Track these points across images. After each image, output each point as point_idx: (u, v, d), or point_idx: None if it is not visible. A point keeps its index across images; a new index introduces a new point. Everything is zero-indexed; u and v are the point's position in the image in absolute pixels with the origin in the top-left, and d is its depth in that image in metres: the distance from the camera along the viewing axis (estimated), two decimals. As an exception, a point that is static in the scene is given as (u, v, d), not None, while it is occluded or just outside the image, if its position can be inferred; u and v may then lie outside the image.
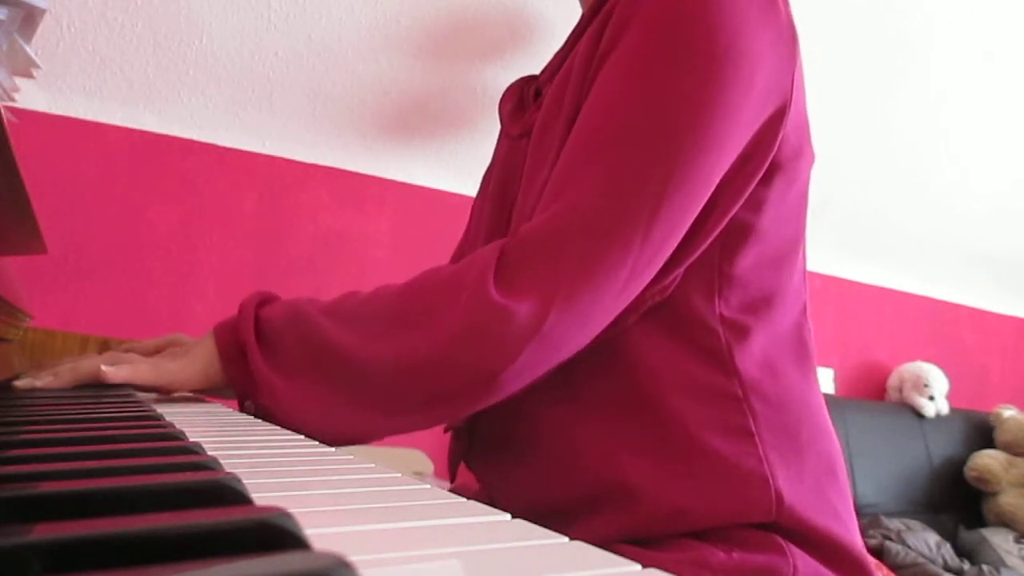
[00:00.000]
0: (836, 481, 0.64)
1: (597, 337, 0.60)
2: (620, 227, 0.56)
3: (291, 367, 0.61)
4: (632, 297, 0.59)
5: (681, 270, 0.61)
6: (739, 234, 0.63)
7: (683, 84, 0.57)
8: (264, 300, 0.67)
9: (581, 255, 0.56)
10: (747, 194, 0.62)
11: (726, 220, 0.61)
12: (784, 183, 0.64)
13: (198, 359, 0.66)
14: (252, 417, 0.59)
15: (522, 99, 0.81)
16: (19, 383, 0.65)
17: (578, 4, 0.77)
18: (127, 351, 0.73)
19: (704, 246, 0.61)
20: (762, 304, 0.64)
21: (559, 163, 0.61)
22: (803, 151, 0.66)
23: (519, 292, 0.56)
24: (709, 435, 0.60)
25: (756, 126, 0.60)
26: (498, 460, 0.71)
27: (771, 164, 0.62)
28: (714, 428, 0.60)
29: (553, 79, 0.73)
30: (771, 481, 0.59)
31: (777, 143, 0.61)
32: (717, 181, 0.59)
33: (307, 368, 0.61)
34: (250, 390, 0.63)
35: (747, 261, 0.64)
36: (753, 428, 0.61)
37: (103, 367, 0.65)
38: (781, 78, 0.61)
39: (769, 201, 0.63)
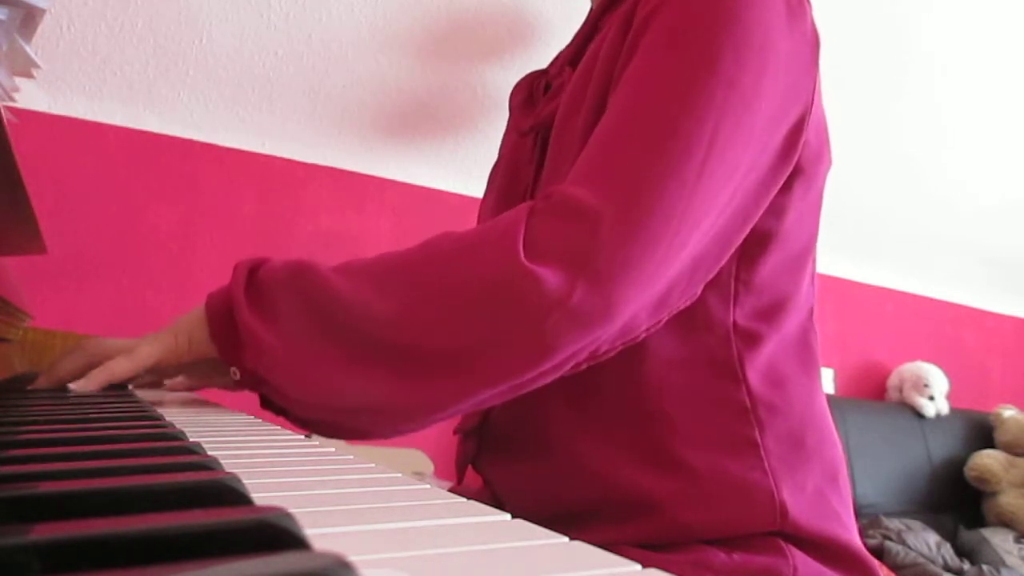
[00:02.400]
0: (838, 486, 0.64)
1: (626, 329, 0.57)
2: (659, 208, 0.54)
3: (289, 323, 0.55)
4: (661, 282, 0.56)
5: (709, 278, 0.60)
6: (760, 241, 0.62)
7: (720, 75, 0.56)
8: (261, 261, 0.61)
9: (618, 229, 0.53)
10: (769, 201, 0.61)
11: (754, 220, 0.61)
12: (803, 188, 0.63)
13: (182, 328, 0.61)
14: (252, 417, 0.58)
15: (531, 94, 0.80)
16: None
17: (580, 4, 0.77)
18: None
19: (729, 254, 0.60)
20: (774, 310, 0.64)
21: (591, 140, 0.58)
22: (822, 155, 0.65)
23: (548, 258, 0.52)
24: (715, 449, 0.60)
25: (781, 131, 0.60)
26: (507, 464, 0.71)
27: (793, 169, 0.62)
28: (721, 441, 0.60)
29: (563, 72, 0.73)
30: (776, 493, 0.59)
31: (799, 148, 0.61)
32: (740, 179, 0.59)
33: (308, 324, 0.55)
34: (237, 353, 0.58)
35: (767, 268, 0.63)
36: (759, 439, 0.60)
37: (70, 385, 0.61)
38: (804, 83, 0.61)
39: (790, 207, 0.63)
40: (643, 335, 0.59)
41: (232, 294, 0.58)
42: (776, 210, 0.62)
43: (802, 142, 0.61)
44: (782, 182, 0.61)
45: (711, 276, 0.60)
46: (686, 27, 0.58)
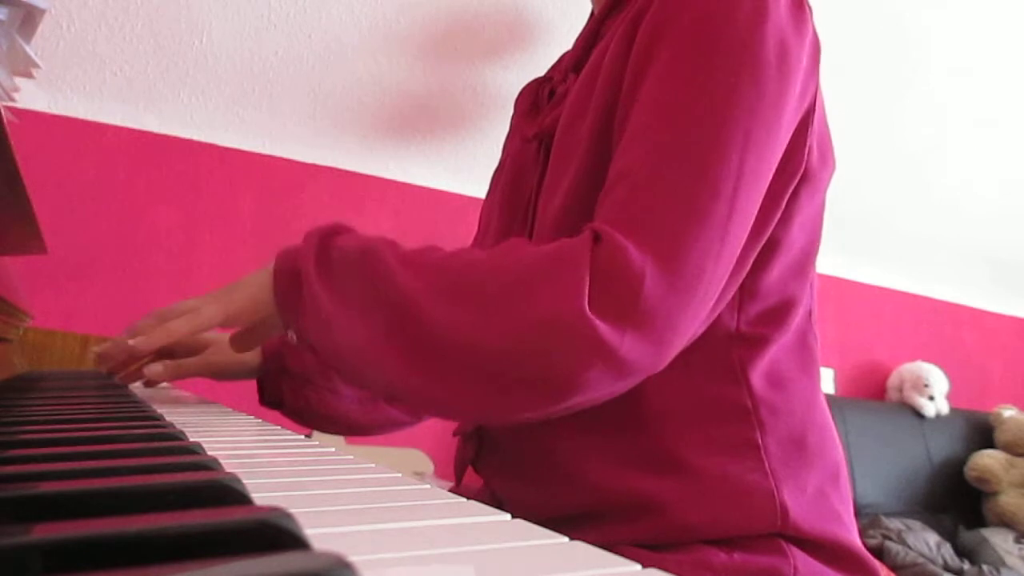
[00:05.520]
0: (839, 486, 0.64)
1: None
2: (696, 258, 0.54)
3: (347, 294, 0.58)
4: (700, 321, 0.57)
5: (736, 288, 0.60)
6: (767, 248, 0.62)
7: (741, 92, 0.56)
8: (337, 231, 0.63)
9: (661, 282, 0.53)
10: (780, 212, 0.61)
11: (768, 233, 0.60)
12: (809, 194, 0.63)
13: (246, 291, 0.64)
14: (252, 417, 0.59)
15: (536, 100, 0.80)
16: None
17: (580, 3, 0.77)
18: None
19: (750, 262, 0.60)
20: (778, 313, 0.64)
21: (620, 174, 0.58)
22: (827, 160, 0.65)
23: (602, 309, 0.53)
24: (716, 451, 0.60)
25: (790, 135, 0.60)
26: (506, 468, 0.71)
27: (800, 177, 0.61)
28: (722, 444, 0.60)
29: (567, 78, 0.73)
30: (776, 495, 0.59)
31: (806, 151, 0.61)
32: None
33: (364, 302, 0.57)
34: (296, 311, 0.61)
35: (773, 275, 0.63)
36: (760, 441, 0.60)
37: (130, 342, 0.63)
38: (809, 87, 0.60)
39: (796, 213, 0.63)
40: None
41: (301, 263, 0.60)
42: (784, 218, 0.62)
43: (807, 148, 0.61)
44: (792, 187, 0.61)
45: (738, 285, 0.60)
46: (703, 47, 0.57)
